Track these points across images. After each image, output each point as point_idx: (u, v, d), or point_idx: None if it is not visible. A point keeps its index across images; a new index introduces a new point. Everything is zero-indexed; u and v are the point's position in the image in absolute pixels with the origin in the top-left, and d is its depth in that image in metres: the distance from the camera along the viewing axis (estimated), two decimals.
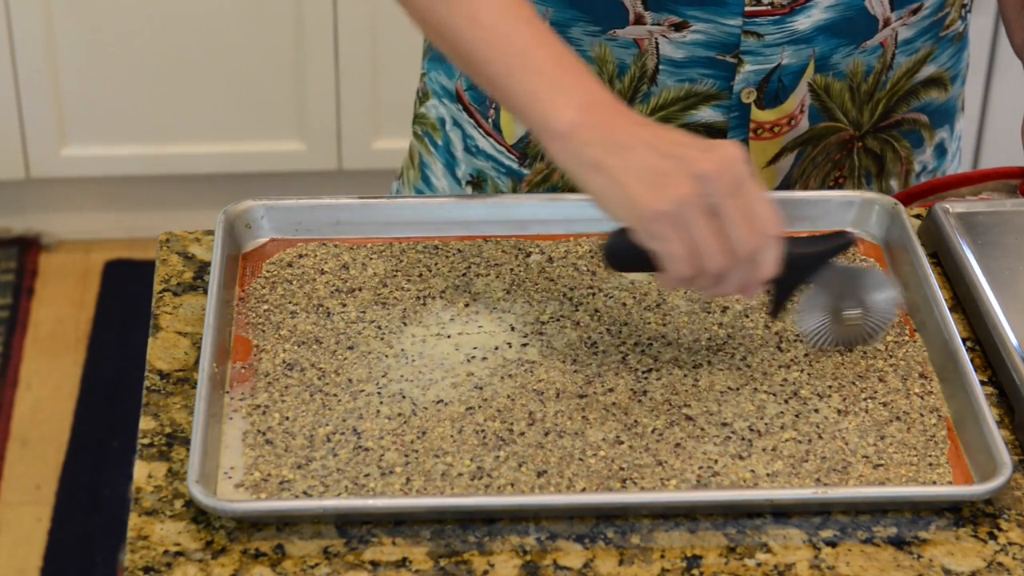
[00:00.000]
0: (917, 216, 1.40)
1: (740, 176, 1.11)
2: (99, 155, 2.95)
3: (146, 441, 1.17)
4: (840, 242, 1.21)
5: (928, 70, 1.45)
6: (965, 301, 1.30)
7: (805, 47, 1.37)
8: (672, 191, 1.10)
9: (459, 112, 1.48)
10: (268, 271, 1.30)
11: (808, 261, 1.20)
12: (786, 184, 1.45)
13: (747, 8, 1.34)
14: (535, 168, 1.46)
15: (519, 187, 1.47)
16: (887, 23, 1.39)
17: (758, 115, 1.40)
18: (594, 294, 1.29)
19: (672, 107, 1.39)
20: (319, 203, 1.34)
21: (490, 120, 1.46)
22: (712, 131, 1.40)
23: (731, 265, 1.13)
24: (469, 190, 1.50)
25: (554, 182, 1.46)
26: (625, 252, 1.16)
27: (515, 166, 1.46)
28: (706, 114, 1.40)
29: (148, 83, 2.87)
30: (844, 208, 1.36)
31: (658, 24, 1.35)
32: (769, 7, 1.34)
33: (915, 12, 1.40)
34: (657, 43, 1.36)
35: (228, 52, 2.85)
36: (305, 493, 1.12)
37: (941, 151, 1.52)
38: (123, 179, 3.02)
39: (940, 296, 1.25)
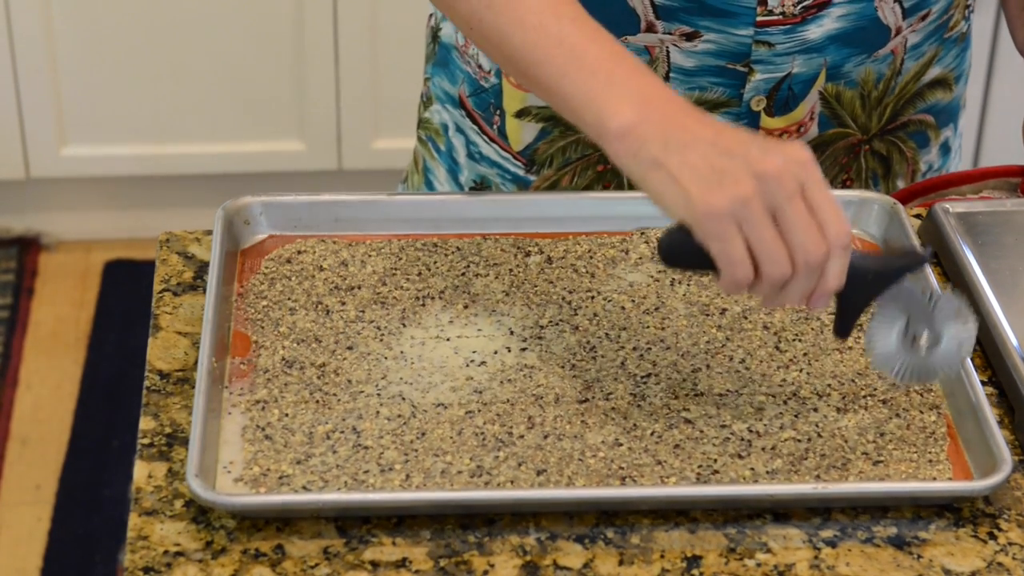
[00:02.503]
0: (917, 216, 1.40)
1: (806, 178, 1.07)
2: (99, 155, 2.95)
3: (146, 441, 1.17)
4: (915, 259, 1.13)
5: (934, 72, 1.45)
6: None
7: (816, 56, 1.37)
8: (732, 189, 1.06)
9: (462, 118, 1.48)
10: (267, 267, 1.30)
11: (878, 277, 1.12)
12: None
13: (759, 18, 1.34)
14: (542, 175, 1.46)
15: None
16: (899, 31, 1.39)
17: (767, 122, 1.40)
18: (593, 297, 1.28)
19: None
20: (318, 199, 1.34)
21: (495, 127, 1.46)
22: None
23: (792, 272, 1.08)
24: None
25: (562, 188, 1.45)
26: (682, 249, 1.11)
27: (521, 173, 1.46)
28: None
29: (148, 83, 2.87)
30: (843, 208, 1.35)
31: (669, 33, 1.35)
32: (781, 17, 1.34)
33: (924, 18, 1.40)
34: (668, 51, 1.36)
35: (228, 52, 2.85)
36: (304, 488, 1.12)
37: (946, 149, 1.52)
38: (123, 179, 3.02)
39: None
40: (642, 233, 1.34)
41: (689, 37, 1.35)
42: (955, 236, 1.33)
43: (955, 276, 1.32)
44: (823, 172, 1.42)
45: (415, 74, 2.88)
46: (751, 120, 1.40)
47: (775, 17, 1.34)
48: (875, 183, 1.48)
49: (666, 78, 1.37)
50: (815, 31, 1.36)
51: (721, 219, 1.07)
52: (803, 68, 1.37)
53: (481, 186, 1.49)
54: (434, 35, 1.52)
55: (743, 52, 1.36)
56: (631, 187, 1.43)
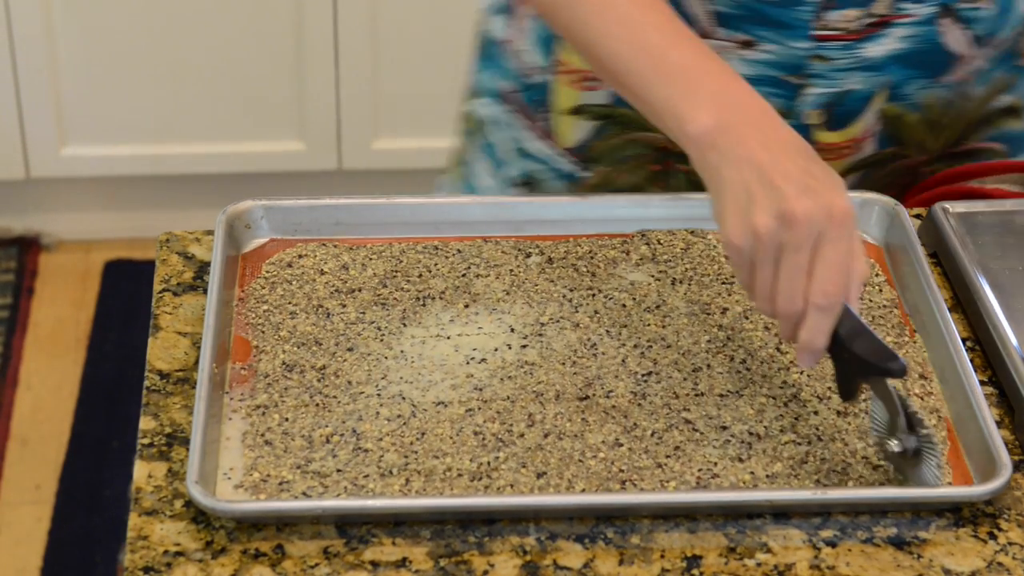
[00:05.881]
0: (917, 216, 1.40)
1: (826, 230, 1.09)
2: (99, 155, 2.95)
3: (146, 441, 1.17)
4: (892, 368, 1.11)
5: (1005, 99, 1.44)
6: (965, 301, 1.30)
7: (877, 75, 1.37)
8: (752, 222, 1.10)
9: (508, 114, 1.48)
10: (268, 271, 1.30)
11: (859, 363, 1.11)
12: None
13: (816, 32, 1.34)
14: (597, 171, 1.46)
15: (575, 190, 1.47)
16: (967, 59, 1.38)
17: (823, 136, 1.40)
18: (594, 295, 1.29)
19: None
20: (319, 203, 1.34)
21: (543, 123, 1.46)
22: None
23: (773, 313, 1.12)
24: (521, 192, 1.49)
25: (618, 184, 1.46)
26: None
27: (571, 170, 1.46)
28: None
29: (148, 83, 2.87)
30: None
31: (727, 41, 1.36)
32: (842, 32, 1.34)
33: (997, 46, 1.40)
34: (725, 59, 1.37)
35: (228, 52, 2.85)
36: (304, 494, 1.12)
37: None
38: (123, 179, 3.02)
39: (940, 297, 1.25)
40: (643, 235, 1.34)
41: (746, 45, 1.36)
42: (955, 236, 1.33)
43: (955, 276, 1.32)
44: (880, 190, 1.38)
45: (415, 74, 2.88)
46: (804, 133, 1.39)
47: (833, 32, 1.34)
48: None
49: None
50: (875, 49, 1.35)
51: (734, 250, 1.12)
52: (862, 85, 1.37)
53: (528, 182, 1.49)
54: (480, 29, 1.52)
55: (799, 64, 1.36)
56: (688, 189, 1.42)
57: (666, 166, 1.44)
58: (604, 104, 1.42)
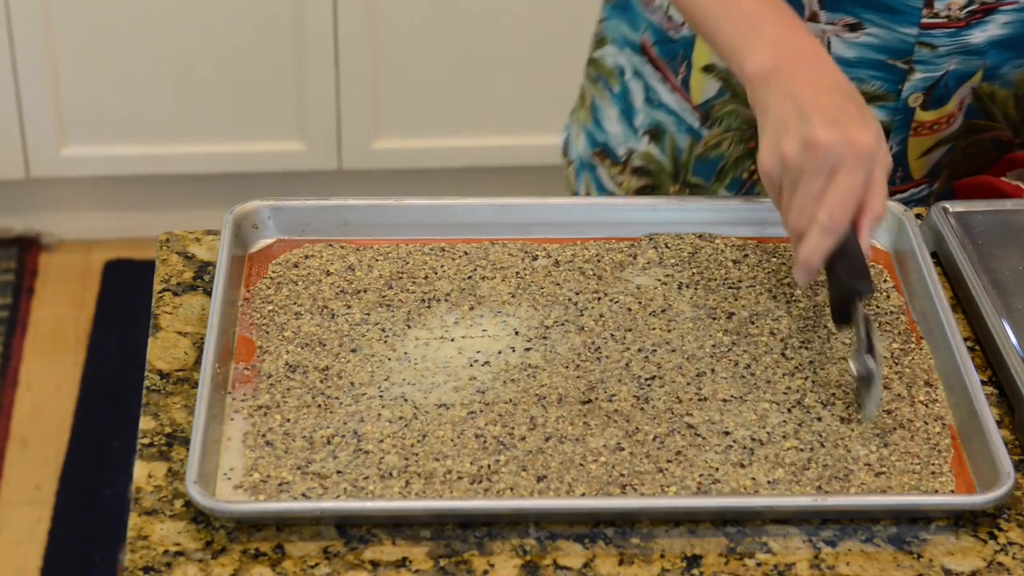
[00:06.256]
0: (918, 216, 1.40)
1: (844, 159, 1.16)
2: (99, 155, 2.95)
3: (146, 441, 1.17)
4: (861, 286, 1.18)
5: None
6: (965, 301, 1.30)
7: (976, 59, 1.39)
8: (781, 148, 1.19)
9: (643, 64, 1.52)
10: (274, 272, 1.30)
11: (837, 281, 1.19)
12: (934, 171, 1.47)
13: (924, 20, 1.36)
14: (712, 132, 1.49)
15: (696, 146, 1.50)
16: None
17: (920, 116, 1.43)
18: (599, 299, 1.28)
19: None
20: (326, 204, 1.34)
21: (679, 77, 1.49)
22: None
23: (787, 230, 1.21)
24: (646, 140, 1.53)
25: (722, 151, 1.49)
26: None
27: (696, 125, 1.49)
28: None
29: (148, 83, 2.87)
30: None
31: (832, 24, 1.38)
32: (946, 20, 1.36)
33: None
34: (829, 41, 1.39)
35: (228, 52, 2.84)
36: (304, 495, 1.12)
37: None
38: (123, 179, 3.02)
39: (947, 304, 1.25)
40: (651, 239, 1.34)
41: (852, 28, 1.38)
42: (955, 236, 1.33)
43: (954, 276, 1.32)
44: (967, 159, 1.44)
45: (415, 74, 2.88)
46: (906, 115, 1.42)
47: (940, 20, 1.36)
48: None
49: None
50: (978, 35, 1.38)
51: (765, 174, 1.21)
52: (960, 66, 1.40)
53: (656, 131, 1.52)
54: None
55: (905, 50, 1.38)
56: None
57: None
58: (724, 68, 1.46)
